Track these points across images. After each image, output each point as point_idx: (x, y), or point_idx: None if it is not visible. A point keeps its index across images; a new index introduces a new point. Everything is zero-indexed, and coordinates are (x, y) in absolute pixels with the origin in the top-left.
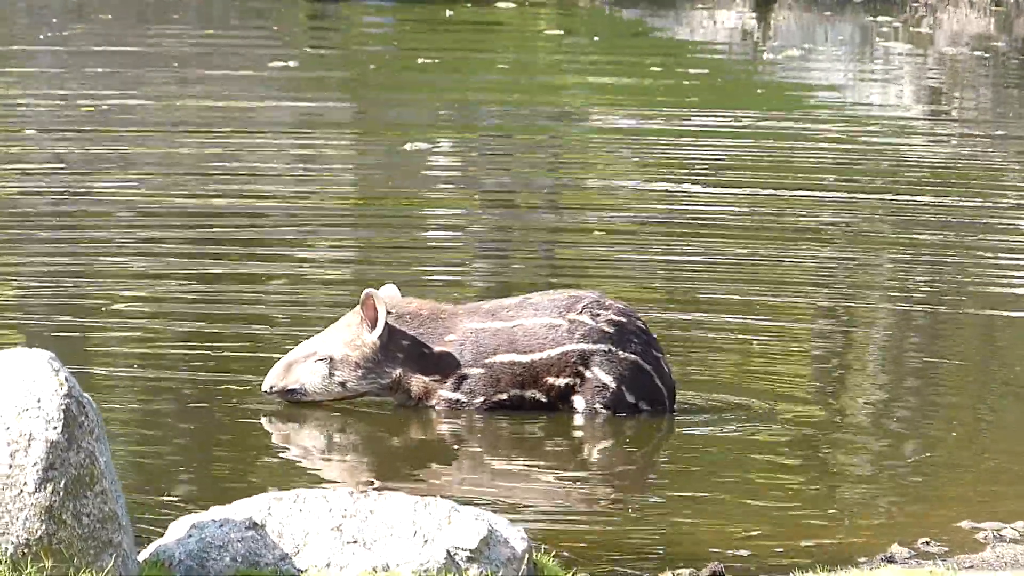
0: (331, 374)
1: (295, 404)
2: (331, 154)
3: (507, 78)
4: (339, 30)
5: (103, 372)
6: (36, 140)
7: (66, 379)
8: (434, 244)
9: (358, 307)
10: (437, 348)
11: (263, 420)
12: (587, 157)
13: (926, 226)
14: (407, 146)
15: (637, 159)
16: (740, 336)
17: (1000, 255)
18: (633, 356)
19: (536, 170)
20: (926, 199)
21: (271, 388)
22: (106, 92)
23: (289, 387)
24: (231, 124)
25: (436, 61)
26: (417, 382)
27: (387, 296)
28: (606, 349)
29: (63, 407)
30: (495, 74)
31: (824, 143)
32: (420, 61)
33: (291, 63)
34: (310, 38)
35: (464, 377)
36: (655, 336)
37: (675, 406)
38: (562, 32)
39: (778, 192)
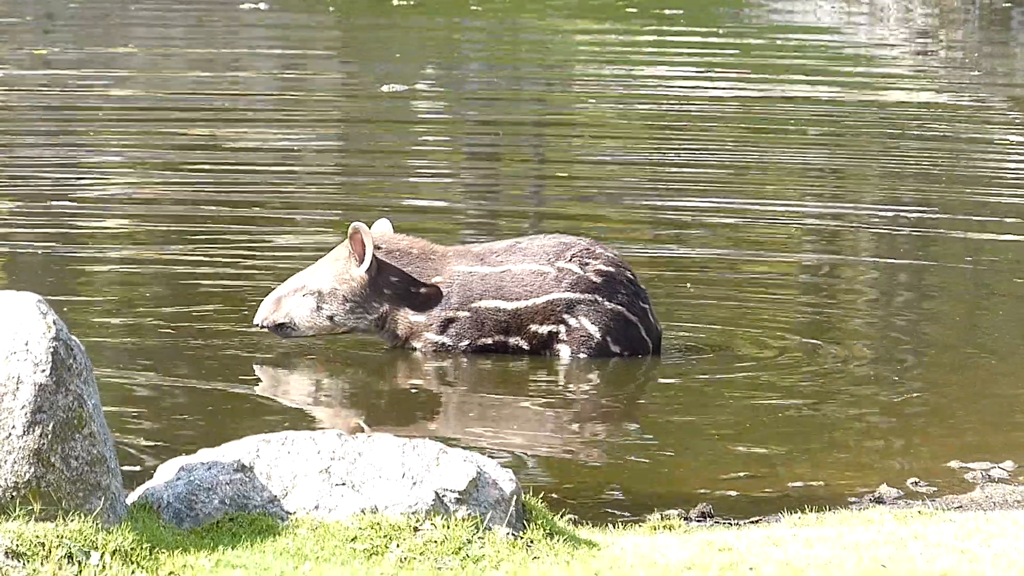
0: (319, 308)
1: (285, 340)
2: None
3: (485, 12)
4: None
5: (87, 290)
6: (21, 49)
7: (54, 322)
8: (422, 148)
9: (346, 240)
10: (424, 288)
11: (253, 364)
12: (572, 78)
13: (912, 139)
14: (384, 87)
15: (622, 83)
16: (727, 267)
17: (987, 173)
18: (619, 307)
19: (522, 89)
20: (913, 123)
21: (262, 322)
22: (90, 19)
23: (279, 321)
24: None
25: (411, 3)
26: (403, 321)
27: (379, 232)
28: (592, 299)
29: (51, 350)
30: (471, 11)
31: (808, 76)
32: (395, 3)
33: (261, 5)
34: None
35: (450, 320)
36: (643, 286)
37: (660, 351)
38: None
39: (765, 94)
